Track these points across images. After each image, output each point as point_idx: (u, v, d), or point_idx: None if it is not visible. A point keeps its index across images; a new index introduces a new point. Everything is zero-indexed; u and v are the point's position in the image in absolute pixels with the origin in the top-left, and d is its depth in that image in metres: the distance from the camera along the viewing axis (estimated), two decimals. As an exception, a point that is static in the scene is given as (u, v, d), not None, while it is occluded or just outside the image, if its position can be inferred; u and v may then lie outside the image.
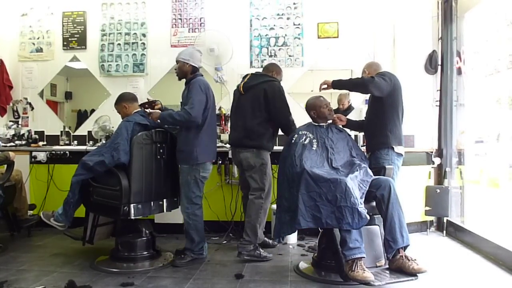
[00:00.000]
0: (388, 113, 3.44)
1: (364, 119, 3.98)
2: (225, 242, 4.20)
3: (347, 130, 3.68)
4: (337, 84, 3.48)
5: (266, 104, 3.66)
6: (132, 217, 3.29)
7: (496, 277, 3.23)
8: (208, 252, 3.78)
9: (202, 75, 3.56)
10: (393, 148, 3.42)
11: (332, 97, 4.77)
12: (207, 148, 3.46)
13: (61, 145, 5.11)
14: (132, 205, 3.27)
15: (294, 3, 5.01)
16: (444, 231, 4.54)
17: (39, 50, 5.38)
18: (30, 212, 4.34)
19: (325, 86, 3.51)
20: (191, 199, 3.43)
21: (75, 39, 5.31)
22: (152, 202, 3.43)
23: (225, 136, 4.80)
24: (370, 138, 3.64)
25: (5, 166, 3.87)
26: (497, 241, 3.62)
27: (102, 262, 3.50)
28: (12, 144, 4.97)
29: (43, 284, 3.00)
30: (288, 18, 5.02)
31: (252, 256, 3.59)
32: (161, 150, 3.44)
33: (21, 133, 5.18)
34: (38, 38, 5.38)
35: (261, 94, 3.67)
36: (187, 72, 3.51)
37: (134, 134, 3.33)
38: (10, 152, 3.83)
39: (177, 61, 3.53)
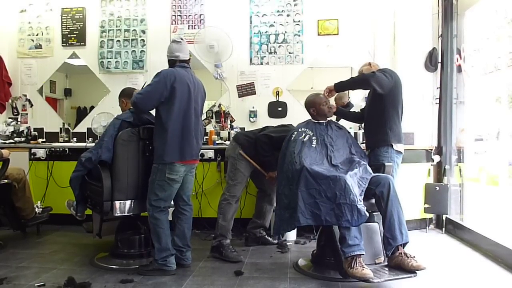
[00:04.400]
0: (388, 110, 3.44)
1: (359, 111, 3.98)
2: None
3: (346, 126, 3.69)
4: (339, 87, 3.48)
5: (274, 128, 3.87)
6: (116, 215, 3.28)
7: (495, 275, 3.24)
8: (208, 249, 3.78)
9: (185, 67, 3.28)
10: (392, 146, 3.42)
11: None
12: (176, 146, 3.12)
13: (61, 142, 5.09)
14: (116, 202, 3.25)
15: (294, 0, 5.00)
16: (443, 229, 4.55)
17: (38, 46, 5.36)
18: (39, 210, 4.34)
19: (329, 92, 3.50)
20: (151, 201, 3.18)
21: (74, 35, 5.29)
22: (139, 200, 3.33)
23: (224, 133, 4.80)
24: (370, 136, 3.64)
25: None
26: (496, 239, 3.62)
27: (102, 259, 3.50)
28: (11, 141, 4.97)
29: (42, 281, 3.00)
30: (288, 15, 5.01)
31: (213, 252, 3.66)
32: (150, 147, 3.29)
33: (20, 130, 5.16)
34: (37, 35, 5.36)
35: (283, 125, 3.97)
36: (169, 67, 3.30)
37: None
38: (3, 150, 3.80)
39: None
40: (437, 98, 4.76)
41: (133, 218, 3.49)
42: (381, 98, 3.40)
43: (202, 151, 4.25)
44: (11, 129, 5.12)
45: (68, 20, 5.29)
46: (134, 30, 5.19)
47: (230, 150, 3.88)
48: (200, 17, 5.11)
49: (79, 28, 5.28)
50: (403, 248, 3.04)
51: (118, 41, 5.21)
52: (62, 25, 5.31)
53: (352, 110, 4.29)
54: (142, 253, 3.48)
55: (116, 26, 5.22)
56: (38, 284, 2.93)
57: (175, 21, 5.14)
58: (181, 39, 3.45)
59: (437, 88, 4.76)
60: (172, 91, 3.09)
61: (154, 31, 5.16)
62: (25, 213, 4.09)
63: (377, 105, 3.49)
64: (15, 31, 5.39)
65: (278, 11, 5.02)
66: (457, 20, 4.59)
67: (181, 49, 3.31)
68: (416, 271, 2.94)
